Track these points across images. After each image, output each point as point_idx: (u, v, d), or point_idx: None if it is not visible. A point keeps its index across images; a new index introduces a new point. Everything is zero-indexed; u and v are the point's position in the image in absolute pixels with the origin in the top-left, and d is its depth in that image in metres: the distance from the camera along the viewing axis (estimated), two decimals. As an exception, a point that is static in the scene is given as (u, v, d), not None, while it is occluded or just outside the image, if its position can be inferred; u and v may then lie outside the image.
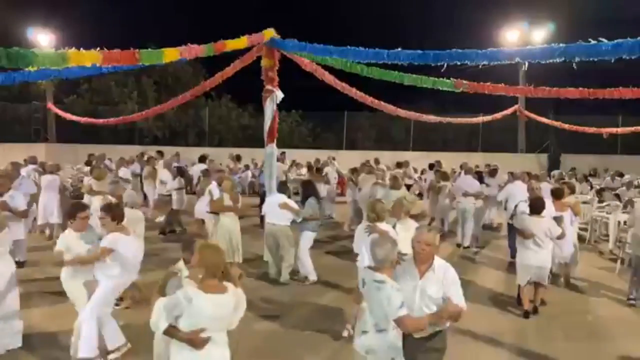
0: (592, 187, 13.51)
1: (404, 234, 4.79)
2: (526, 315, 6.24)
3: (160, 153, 13.86)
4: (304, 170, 14.65)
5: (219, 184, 7.65)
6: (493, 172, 11.61)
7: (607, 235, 10.17)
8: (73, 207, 4.94)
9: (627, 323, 6.23)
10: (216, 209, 7.41)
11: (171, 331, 2.93)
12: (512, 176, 10.56)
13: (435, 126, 21.47)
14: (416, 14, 39.36)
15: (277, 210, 7.26)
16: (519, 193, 8.59)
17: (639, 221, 6.68)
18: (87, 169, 11.88)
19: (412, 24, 35.01)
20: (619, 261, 8.44)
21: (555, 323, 6.13)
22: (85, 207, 5.02)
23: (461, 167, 13.47)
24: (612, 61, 2.94)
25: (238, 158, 16.61)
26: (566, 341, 5.61)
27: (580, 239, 10.70)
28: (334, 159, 16.18)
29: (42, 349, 5.04)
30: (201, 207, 8.05)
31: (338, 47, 6.57)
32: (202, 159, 14.08)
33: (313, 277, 7.39)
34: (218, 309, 2.94)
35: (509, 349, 5.33)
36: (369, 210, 5.51)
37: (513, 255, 7.94)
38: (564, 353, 5.27)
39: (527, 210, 6.51)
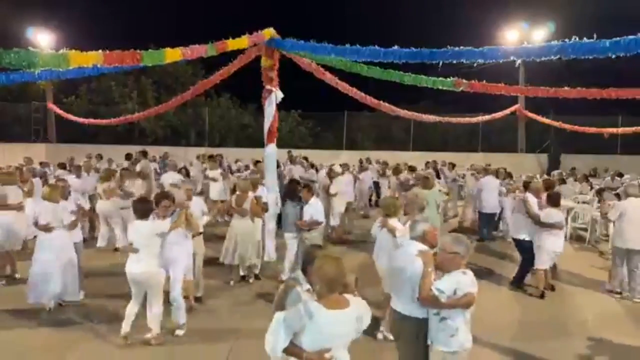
0: (592, 187, 13.51)
1: None
2: (542, 295, 6.95)
3: (144, 153, 13.08)
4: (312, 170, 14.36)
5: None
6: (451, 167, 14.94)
7: (607, 235, 10.18)
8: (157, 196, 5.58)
9: (624, 320, 6.25)
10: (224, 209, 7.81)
11: (292, 350, 2.69)
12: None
13: (435, 126, 21.51)
14: (415, 15, 39.39)
15: None
16: (491, 186, 10.52)
17: (627, 216, 6.95)
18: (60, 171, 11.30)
19: (411, 24, 35.04)
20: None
21: (551, 321, 6.15)
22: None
23: (426, 165, 14.58)
24: (613, 56, 2.95)
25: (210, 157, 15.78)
26: (560, 339, 5.63)
27: (580, 239, 10.79)
28: (305, 158, 15.68)
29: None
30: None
31: (336, 45, 6.59)
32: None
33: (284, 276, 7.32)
34: (341, 327, 2.73)
35: (503, 346, 5.36)
36: (380, 206, 5.83)
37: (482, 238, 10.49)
38: (558, 350, 5.29)
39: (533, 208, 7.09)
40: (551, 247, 6.92)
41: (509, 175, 12.31)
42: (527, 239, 7.14)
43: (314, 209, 7.12)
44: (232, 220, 7.41)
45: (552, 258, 7.10)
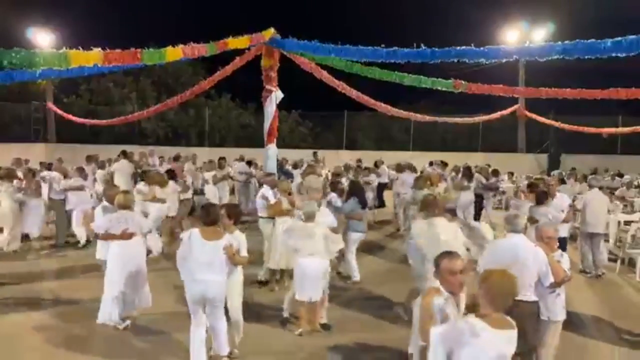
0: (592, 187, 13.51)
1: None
2: None
3: (124, 153, 12.46)
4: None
5: (272, 187, 7.45)
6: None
7: (607, 235, 10.15)
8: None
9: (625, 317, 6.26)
10: (275, 214, 7.08)
11: None
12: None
13: (435, 126, 21.51)
14: (415, 15, 39.42)
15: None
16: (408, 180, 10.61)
17: (590, 205, 7.97)
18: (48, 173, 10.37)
19: (411, 24, 35.03)
20: (619, 261, 8.44)
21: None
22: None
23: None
24: (614, 56, 2.95)
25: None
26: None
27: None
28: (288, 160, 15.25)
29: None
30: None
31: (336, 45, 6.60)
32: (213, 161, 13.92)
33: (356, 277, 7.30)
34: (505, 349, 2.57)
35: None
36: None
37: None
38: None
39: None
40: None
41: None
42: None
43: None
44: (279, 224, 6.93)
45: None
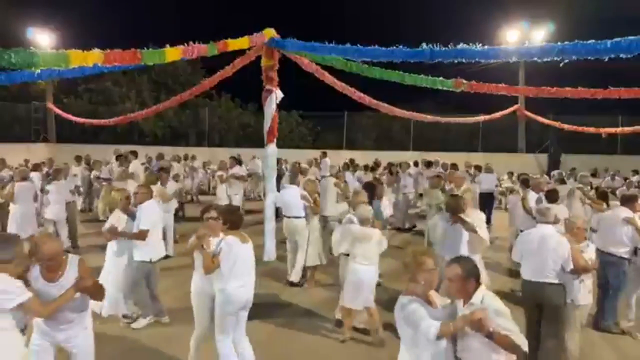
0: (592, 187, 13.48)
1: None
2: None
3: (134, 153, 12.30)
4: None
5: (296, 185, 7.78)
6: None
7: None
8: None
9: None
10: (314, 213, 7.54)
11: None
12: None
13: (436, 126, 21.48)
14: (415, 15, 39.41)
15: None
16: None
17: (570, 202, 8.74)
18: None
19: (411, 24, 35.05)
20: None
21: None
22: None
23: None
24: (609, 58, 2.95)
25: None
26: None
27: (581, 238, 10.83)
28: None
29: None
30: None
31: (336, 45, 6.59)
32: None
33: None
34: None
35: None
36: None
37: None
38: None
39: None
40: None
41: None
42: None
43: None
44: (313, 222, 7.53)
45: None
